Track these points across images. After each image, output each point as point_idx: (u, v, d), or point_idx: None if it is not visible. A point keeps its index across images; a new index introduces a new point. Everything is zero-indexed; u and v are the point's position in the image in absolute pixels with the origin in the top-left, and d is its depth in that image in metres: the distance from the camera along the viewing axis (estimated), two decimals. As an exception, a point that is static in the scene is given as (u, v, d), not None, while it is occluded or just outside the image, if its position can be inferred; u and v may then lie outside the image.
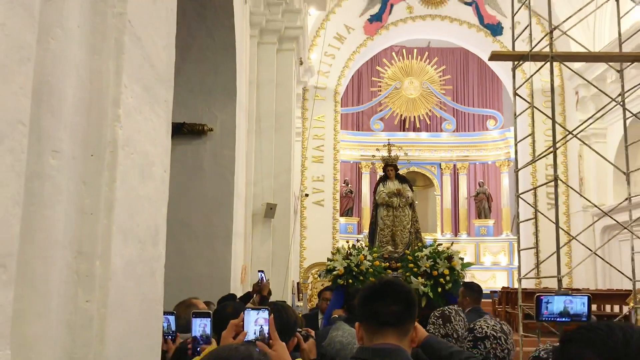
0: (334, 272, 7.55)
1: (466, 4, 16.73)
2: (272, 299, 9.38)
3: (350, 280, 7.27)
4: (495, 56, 10.08)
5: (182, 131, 8.03)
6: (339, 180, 16.86)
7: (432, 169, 19.41)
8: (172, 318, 4.07)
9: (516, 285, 10.51)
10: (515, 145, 9.98)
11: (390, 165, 8.96)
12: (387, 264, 7.82)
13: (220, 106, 8.17)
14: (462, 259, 7.58)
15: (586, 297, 2.89)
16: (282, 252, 10.30)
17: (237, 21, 8.15)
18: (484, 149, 19.15)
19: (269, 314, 2.17)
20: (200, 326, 3.04)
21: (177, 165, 8.13)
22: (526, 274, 10.10)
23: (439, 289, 6.99)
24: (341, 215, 17.43)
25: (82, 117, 1.63)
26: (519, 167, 9.97)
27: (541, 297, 2.90)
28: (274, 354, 2.05)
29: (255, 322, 2.17)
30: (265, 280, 6.91)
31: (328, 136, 16.41)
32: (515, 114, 10.10)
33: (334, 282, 7.53)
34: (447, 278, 7.02)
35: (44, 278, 1.49)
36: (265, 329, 2.14)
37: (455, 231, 19.17)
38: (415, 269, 7.25)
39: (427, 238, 18.50)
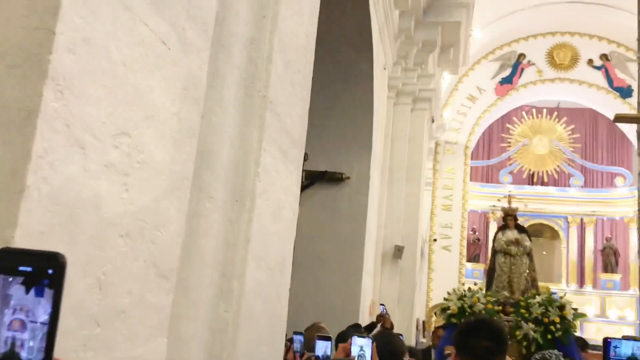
0: (448, 312, 7.47)
1: (595, 67, 16.03)
2: (397, 332, 9.43)
3: (462, 320, 7.14)
4: (619, 118, 9.61)
5: (324, 178, 8.42)
6: (467, 228, 16.57)
7: (558, 221, 18.46)
8: (301, 337, 4.37)
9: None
10: (639, 203, 9.38)
11: (509, 215, 8.78)
12: (501, 307, 7.60)
13: (358, 157, 8.48)
14: (575, 309, 7.19)
15: (655, 344, 2.76)
16: (407, 291, 10.31)
17: (376, 85, 8.49)
18: (612, 205, 17.92)
19: (372, 342, 2.27)
20: (322, 347, 3.24)
21: (318, 207, 8.56)
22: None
23: (549, 336, 6.69)
24: (468, 260, 17.04)
25: (232, 172, 1.98)
26: (642, 225, 9.36)
27: (609, 340, 2.81)
28: None
29: (360, 347, 2.25)
30: (385, 313, 7.03)
31: (457, 187, 16.25)
32: (639, 174, 9.54)
33: (448, 320, 7.45)
34: (558, 326, 6.71)
35: (196, 291, 1.83)
36: (368, 354, 2.23)
37: (581, 283, 17.97)
38: (527, 315, 7.00)
39: (553, 288, 17.62)
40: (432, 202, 15.27)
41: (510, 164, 18.71)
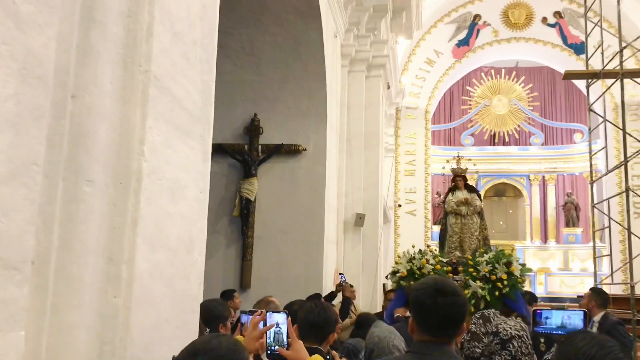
0: (398, 274, 7.52)
1: (549, 25, 16.06)
2: (361, 298, 9.51)
3: (412, 282, 7.18)
4: (568, 75, 9.68)
5: (281, 151, 8.35)
6: (431, 192, 16.67)
7: (521, 180, 18.72)
8: (247, 315, 4.34)
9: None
10: (590, 158, 9.50)
11: (458, 176, 8.81)
12: (450, 267, 7.65)
13: (313, 128, 8.40)
14: (522, 265, 7.27)
15: (582, 312, 2.80)
16: (371, 258, 10.37)
17: (327, 54, 8.35)
18: (572, 161, 18.22)
19: (287, 317, 2.22)
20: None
21: (276, 180, 8.49)
22: (602, 280, 9.57)
23: (497, 293, 6.76)
24: (435, 223, 17.19)
25: (113, 153, 1.89)
26: (594, 179, 9.49)
27: (539, 312, 2.83)
28: (290, 353, 2.12)
29: (277, 325, 2.20)
30: (344, 282, 7.03)
31: (419, 152, 16.29)
32: (589, 129, 9.62)
33: (397, 284, 7.50)
34: (505, 282, 6.77)
35: (78, 278, 1.75)
36: (284, 329, 2.19)
37: (544, 239, 18.33)
38: (475, 273, 7.06)
39: (518, 245, 17.94)
40: (395, 168, 15.29)
41: (472, 126, 18.81)
